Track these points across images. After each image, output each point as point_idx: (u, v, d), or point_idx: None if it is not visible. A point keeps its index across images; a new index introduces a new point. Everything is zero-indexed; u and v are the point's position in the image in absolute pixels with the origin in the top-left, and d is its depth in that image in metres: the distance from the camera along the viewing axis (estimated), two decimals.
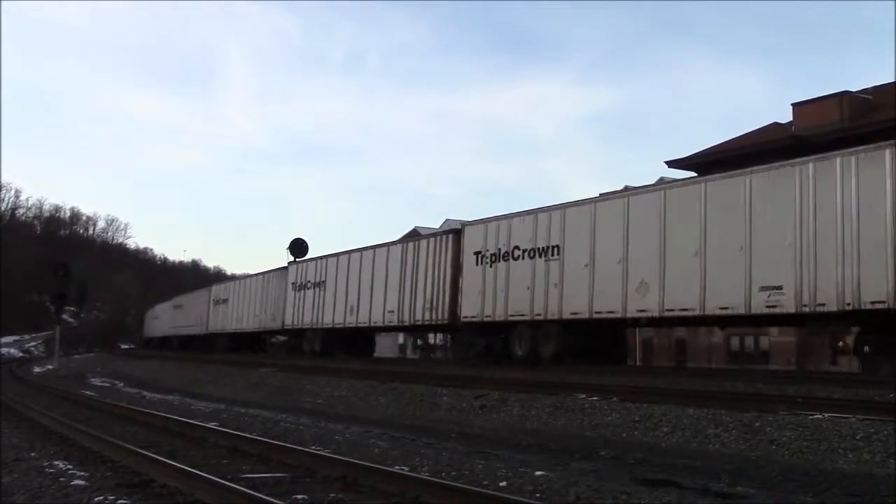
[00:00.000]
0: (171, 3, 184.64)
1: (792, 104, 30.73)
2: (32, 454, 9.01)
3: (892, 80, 36.01)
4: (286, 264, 36.95)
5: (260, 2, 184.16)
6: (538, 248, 20.94)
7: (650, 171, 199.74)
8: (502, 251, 22.10)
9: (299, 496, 6.17)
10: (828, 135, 25.53)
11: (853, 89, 29.40)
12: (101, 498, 6.27)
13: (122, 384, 26.92)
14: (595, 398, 12.61)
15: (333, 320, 30.85)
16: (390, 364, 28.21)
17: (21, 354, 64.20)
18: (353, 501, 6.10)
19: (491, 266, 22.37)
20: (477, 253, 23.02)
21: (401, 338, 41.30)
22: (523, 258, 21.36)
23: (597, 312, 19.06)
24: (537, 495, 6.18)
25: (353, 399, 17.11)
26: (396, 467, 7.34)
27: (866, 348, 14.77)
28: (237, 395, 19.96)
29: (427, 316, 25.34)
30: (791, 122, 30.85)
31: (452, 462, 7.86)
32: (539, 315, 20.65)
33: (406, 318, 26.46)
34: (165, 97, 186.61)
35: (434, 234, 27.82)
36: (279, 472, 7.32)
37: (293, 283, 34.66)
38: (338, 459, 7.55)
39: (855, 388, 11.79)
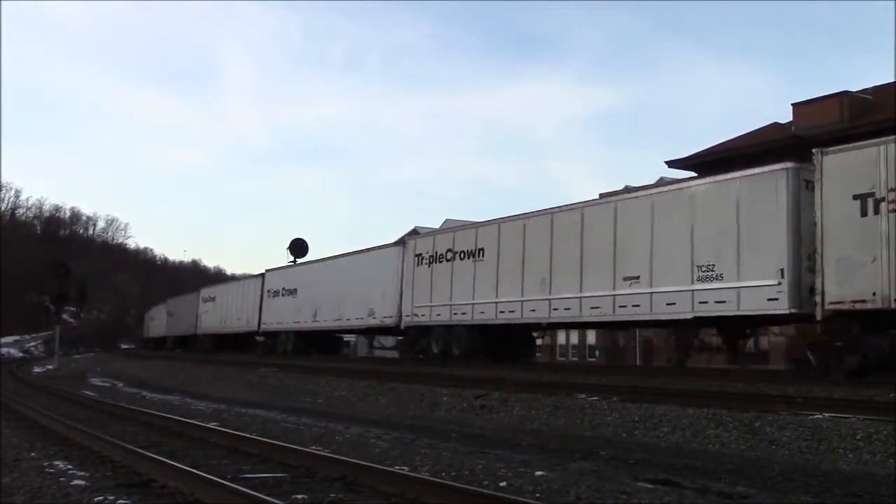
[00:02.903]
0: (171, 3, 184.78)
1: (792, 104, 30.70)
2: (32, 454, 9.02)
3: (892, 80, 36.06)
4: (263, 272, 38.89)
5: (260, 2, 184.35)
6: (458, 259, 23.47)
7: (650, 171, 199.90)
8: (434, 259, 24.65)
9: (299, 496, 6.17)
10: (828, 135, 25.46)
11: (853, 89, 29.40)
12: (101, 498, 6.27)
13: (122, 384, 26.94)
14: (595, 398, 12.62)
15: (301, 324, 33.35)
16: (389, 364, 28.24)
17: (21, 354, 64.16)
18: (353, 501, 6.10)
19: (424, 273, 24.87)
20: (415, 264, 25.56)
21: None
22: (446, 268, 23.90)
23: (500, 312, 21.74)
24: (537, 495, 6.18)
25: (353, 399, 17.11)
26: (396, 467, 7.35)
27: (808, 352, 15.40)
28: (237, 395, 19.96)
29: (379, 320, 27.68)
30: (791, 122, 30.81)
31: (452, 462, 7.86)
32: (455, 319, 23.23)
33: (363, 321, 28.72)
34: (165, 97, 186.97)
35: (382, 246, 29.71)
36: (279, 472, 7.32)
37: (269, 290, 37.07)
38: (338, 459, 7.56)
39: (856, 388, 11.78)
